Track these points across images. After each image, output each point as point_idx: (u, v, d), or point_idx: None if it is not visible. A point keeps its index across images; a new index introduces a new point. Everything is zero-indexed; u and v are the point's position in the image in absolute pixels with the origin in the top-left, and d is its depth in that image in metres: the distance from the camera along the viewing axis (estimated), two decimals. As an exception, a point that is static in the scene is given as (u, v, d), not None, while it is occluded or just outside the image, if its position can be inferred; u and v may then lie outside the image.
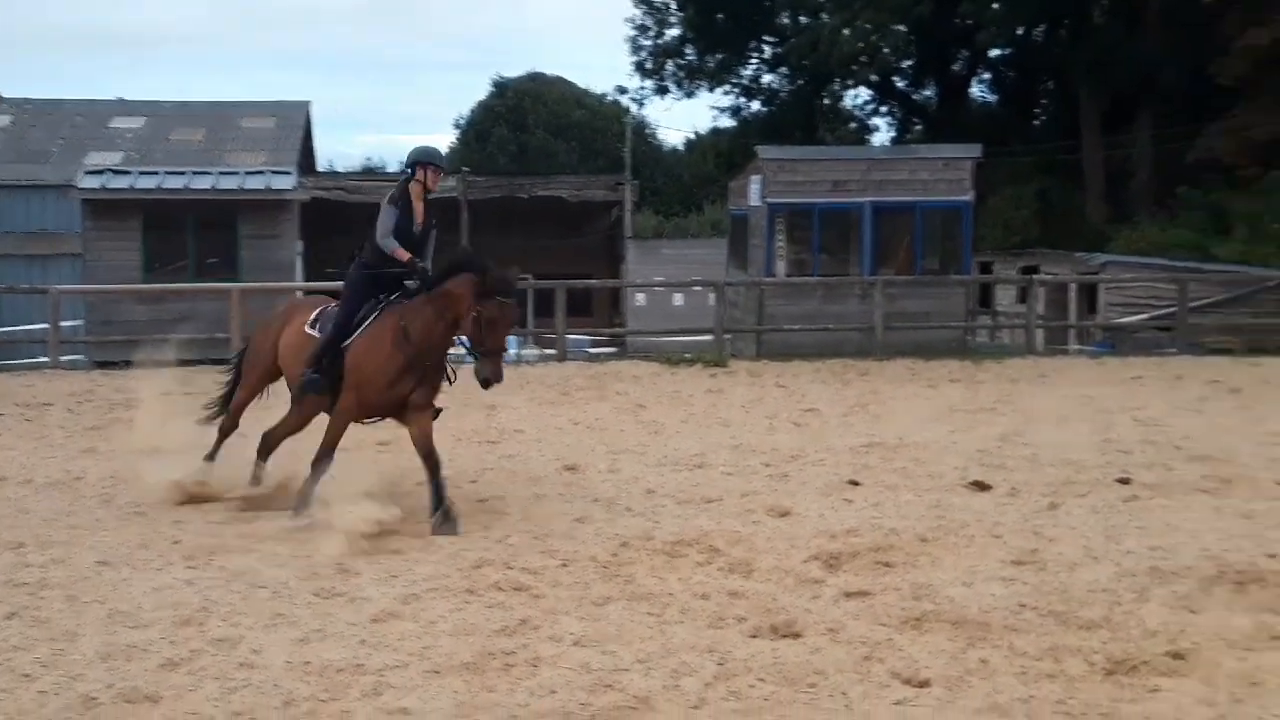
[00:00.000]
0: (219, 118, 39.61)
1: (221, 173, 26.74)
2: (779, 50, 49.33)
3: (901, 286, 24.66)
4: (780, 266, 26.00)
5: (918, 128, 52.39)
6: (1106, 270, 31.24)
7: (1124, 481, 10.91)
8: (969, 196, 26.16)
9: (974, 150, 26.59)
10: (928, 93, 52.98)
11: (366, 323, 9.65)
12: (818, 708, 5.66)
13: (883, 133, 54.83)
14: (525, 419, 15.17)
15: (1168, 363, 22.26)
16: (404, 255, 9.60)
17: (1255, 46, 35.83)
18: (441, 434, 9.97)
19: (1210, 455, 12.30)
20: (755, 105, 51.97)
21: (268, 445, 10.43)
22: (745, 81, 52.09)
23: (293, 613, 7.12)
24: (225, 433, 10.70)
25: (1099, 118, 44.30)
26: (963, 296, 26.38)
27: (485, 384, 9.32)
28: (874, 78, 50.50)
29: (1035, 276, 30.91)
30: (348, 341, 9.62)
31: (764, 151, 27.00)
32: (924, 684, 5.91)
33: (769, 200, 25.73)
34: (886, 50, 47.34)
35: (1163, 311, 27.76)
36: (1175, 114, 40.87)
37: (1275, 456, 12.17)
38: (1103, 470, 11.43)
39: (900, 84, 52.66)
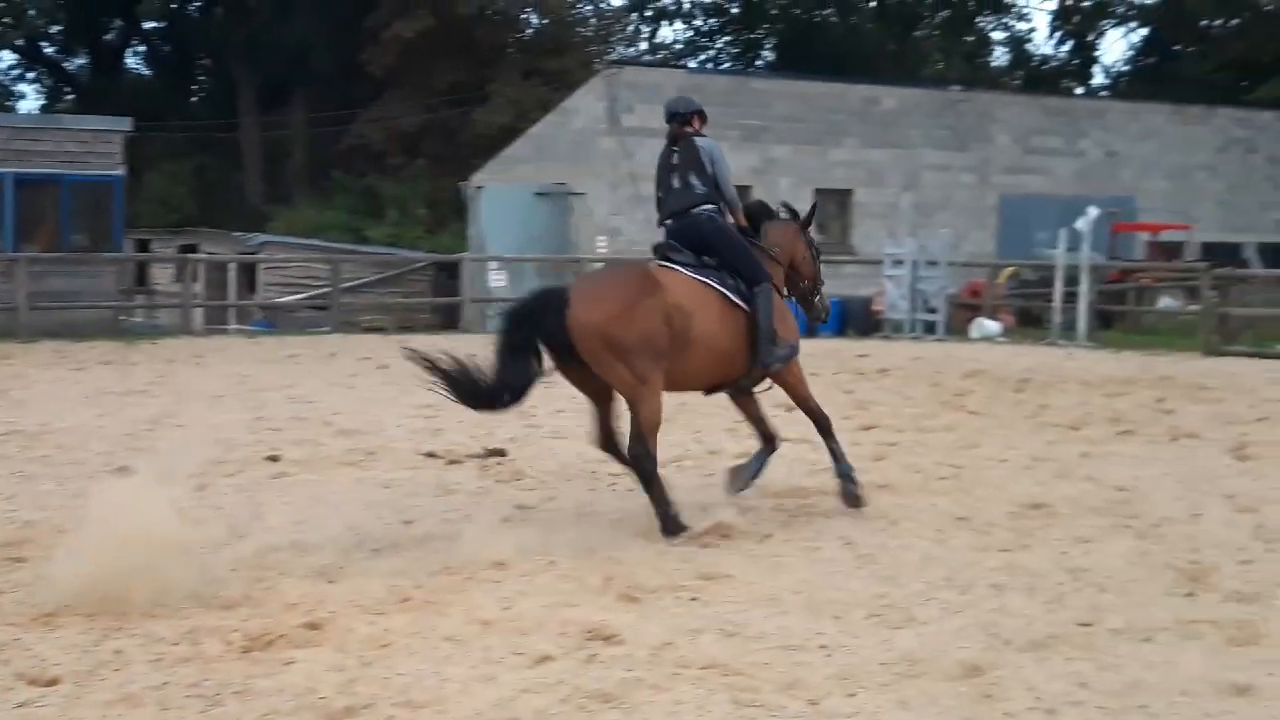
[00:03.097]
0: None
1: None
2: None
3: (48, 264, 23.42)
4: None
5: (69, 97, 49.87)
6: (265, 250, 31.70)
7: (273, 459, 11.07)
8: (120, 171, 25.43)
9: (125, 123, 25.88)
10: (80, 61, 50.57)
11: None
12: (-75, 726, 5.15)
13: (31, 101, 51.72)
14: None
15: (323, 341, 23.03)
16: (742, 218, 9.15)
17: (401, 38, 38.05)
18: None
19: (357, 429, 12.82)
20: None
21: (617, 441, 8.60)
22: None
23: None
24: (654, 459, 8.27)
25: (255, 98, 44.74)
26: (115, 275, 25.67)
27: (827, 317, 9.73)
28: (20, 42, 47.33)
29: (193, 255, 30.68)
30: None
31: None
32: (52, 682, 5.58)
33: (-119, 165, 23.29)
34: (33, 13, 44.61)
35: (318, 291, 28.74)
36: (331, 99, 42.29)
37: (416, 428, 12.93)
38: (253, 449, 11.51)
39: (50, 50, 49.76)
